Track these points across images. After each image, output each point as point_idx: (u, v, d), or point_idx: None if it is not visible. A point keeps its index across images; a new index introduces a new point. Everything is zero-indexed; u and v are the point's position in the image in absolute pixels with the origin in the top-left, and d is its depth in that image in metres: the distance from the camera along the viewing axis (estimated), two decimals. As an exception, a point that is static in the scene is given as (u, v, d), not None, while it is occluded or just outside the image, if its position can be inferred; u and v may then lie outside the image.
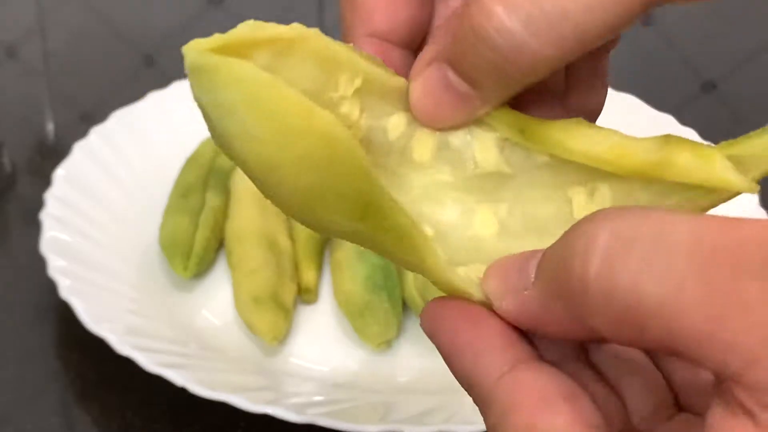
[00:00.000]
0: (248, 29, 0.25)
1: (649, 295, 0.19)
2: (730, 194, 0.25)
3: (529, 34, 0.24)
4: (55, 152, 0.66)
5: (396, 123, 0.28)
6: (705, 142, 0.65)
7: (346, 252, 0.55)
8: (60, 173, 0.58)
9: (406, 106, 0.28)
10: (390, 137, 0.28)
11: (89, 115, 0.69)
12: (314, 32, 0.26)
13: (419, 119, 0.28)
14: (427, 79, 0.27)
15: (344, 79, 0.27)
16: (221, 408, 0.47)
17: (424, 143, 0.28)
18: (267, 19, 0.26)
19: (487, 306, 0.25)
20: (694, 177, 0.25)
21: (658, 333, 0.20)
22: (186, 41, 0.24)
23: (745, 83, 0.75)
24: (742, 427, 0.19)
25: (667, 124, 0.62)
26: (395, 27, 0.28)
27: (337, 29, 0.29)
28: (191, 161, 0.61)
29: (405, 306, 0.54)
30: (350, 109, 0.27)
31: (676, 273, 0.19)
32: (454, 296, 0.26)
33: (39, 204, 0.56)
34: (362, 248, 0.54)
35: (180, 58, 0.24)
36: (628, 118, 0.49)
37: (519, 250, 0.26)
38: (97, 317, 0.50)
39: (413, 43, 0.29)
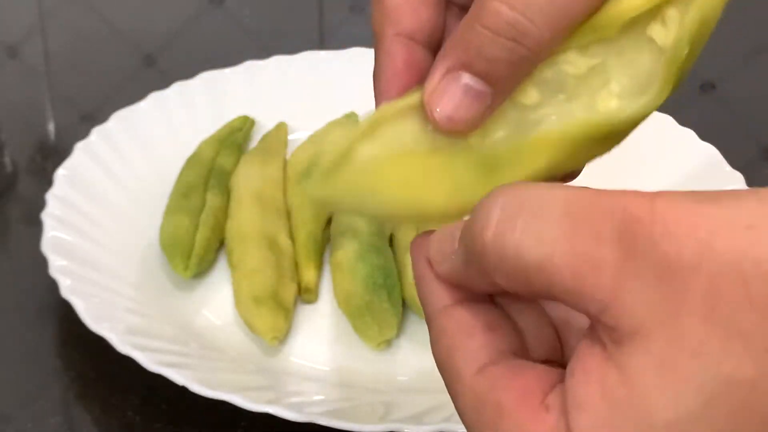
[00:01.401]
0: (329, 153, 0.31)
1: (529, 258, 0.25)
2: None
3: (529, 21, 0.29)
4: (56, 152, 0.66)
5: None
6: (704, 143, 0.65)
7: (346, 252, 0.55)
8: (61, 173, 0.58)
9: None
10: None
11: (90, 116, 0.69)
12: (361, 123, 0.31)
13: (442, 127, 0.31)
14: (444, 88, 0.30)
15: None
16: (222, 407, 0.47)
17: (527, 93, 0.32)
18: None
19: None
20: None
21: (540, 287, 0.25)
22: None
23: (745, 84, 0.75)
24: (597, 354, 0.24)
25: (665, 124, 0.62)
26: (419, 27, 0.33)
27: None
28: (191, 161, 0.61)
29: (405, 306, 0.54)
30: None
31: (549, 239, 0.24)
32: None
33: (40, 204, 0.56)
34: (362, 248, 0.54)
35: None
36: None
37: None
38: (98, 317, 0.50)
39: (433, 44, 0.33)
